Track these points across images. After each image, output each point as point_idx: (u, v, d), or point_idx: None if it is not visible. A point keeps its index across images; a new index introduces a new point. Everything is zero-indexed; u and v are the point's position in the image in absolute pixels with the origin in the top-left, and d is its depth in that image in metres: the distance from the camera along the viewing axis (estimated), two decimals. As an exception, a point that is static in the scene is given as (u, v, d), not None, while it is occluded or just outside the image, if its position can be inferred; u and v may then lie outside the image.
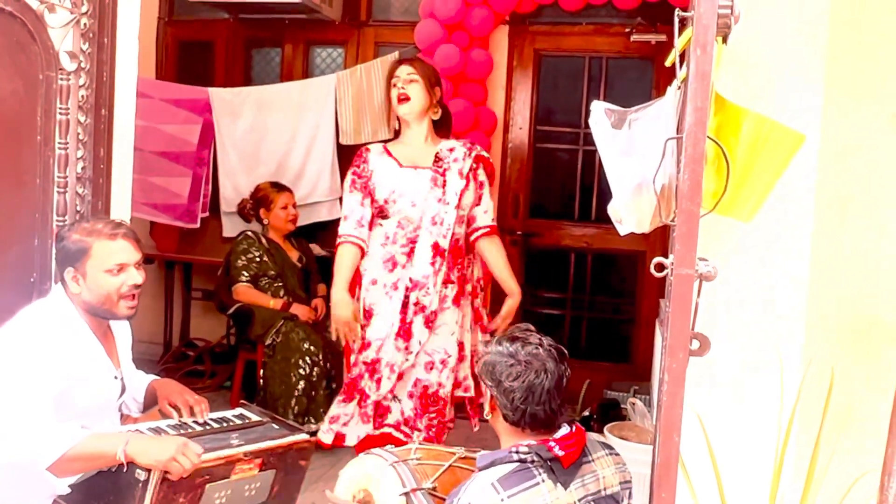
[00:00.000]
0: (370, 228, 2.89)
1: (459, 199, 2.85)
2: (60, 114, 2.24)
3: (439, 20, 4.26)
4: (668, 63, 1.48)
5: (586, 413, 3.75)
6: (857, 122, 2.07)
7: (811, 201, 2.08)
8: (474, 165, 2.92)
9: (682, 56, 1.43)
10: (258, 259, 4.04)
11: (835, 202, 2.08)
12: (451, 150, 2.93)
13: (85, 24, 2.27)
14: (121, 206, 2.49)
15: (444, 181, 2.85)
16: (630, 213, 1.68)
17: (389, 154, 2.92)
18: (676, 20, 1.37)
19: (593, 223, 4.57)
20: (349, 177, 2.93)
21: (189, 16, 5.04)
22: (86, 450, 1.78)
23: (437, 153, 2.90)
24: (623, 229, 1.71)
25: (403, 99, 2.86)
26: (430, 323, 2.82)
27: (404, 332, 2.82)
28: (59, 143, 2.25)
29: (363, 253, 2.88)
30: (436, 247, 2.83)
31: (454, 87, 4.33)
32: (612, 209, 1.70)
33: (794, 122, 1.63)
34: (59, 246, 2.02)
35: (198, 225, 4.78)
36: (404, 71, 2.90)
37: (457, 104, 4.29)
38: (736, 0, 1.32)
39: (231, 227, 4.71)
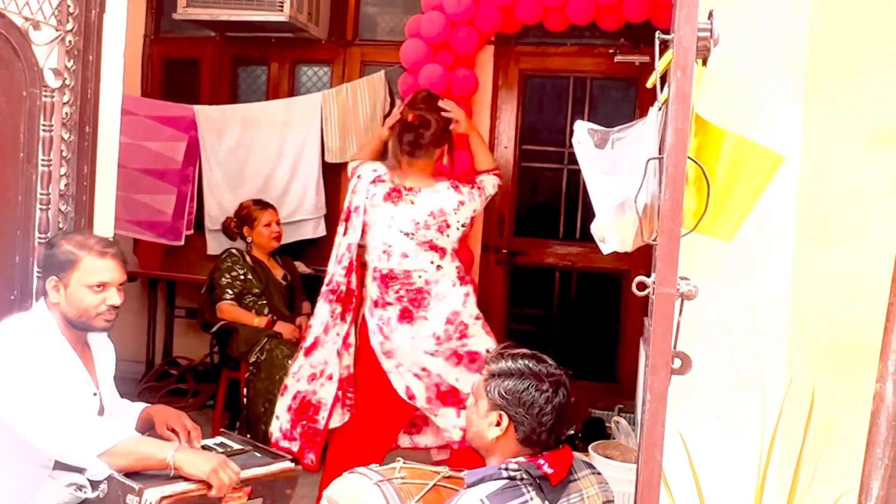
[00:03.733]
0: None
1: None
2: (44, 131, 2.23)
3: (425, 40, 4.28)
4: (649, 84, 1.50)
5: (571, 431, 3.74)
6: (837, 142, 2.10)
7: (792, 220, 2.11)
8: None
9: (664, 78, 1.45)
10: (242, 277, 4.02)
11: (815, 221, 2.11)
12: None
13: (70, 42, 2.27)
14: (104, 224, 2.48)
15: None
16: (613, 232, 1.69)
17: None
18: (657, 42, 1.39)
19: (578, 242, 4.59)
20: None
21: (175, 33, 5.05)
22: (136, 448, 1.87)
23: None
24: (606, 248, 1.72)
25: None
26: None
27: None
28: (42, 160, 2.24)
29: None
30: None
31: (439, 107, 4.35)
32: (595, 228, 1.71)
33: (774, 143, 1.65)
34: (48, 253, 2.04)
35: (182, 242, 4.76)
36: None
37: (442, 123, 4.31)
38: (715, 23, 1.34)
39: (215, 244, 4.69)
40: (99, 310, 2.01)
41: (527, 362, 1.76)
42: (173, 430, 2.12)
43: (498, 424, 1.76)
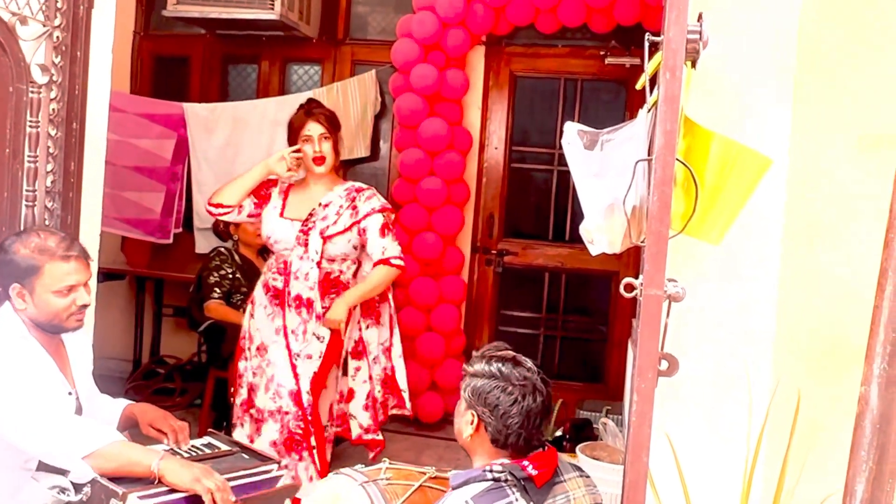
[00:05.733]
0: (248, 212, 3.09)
1: (321, 255, 2.99)
2: (30, 126, 2.22)
3: (416, 40, 4.28)
4: (638, 86, 1.50)
5: (559, 433, 3.74)
6: (825, 145, 2.11)
7: (780, 223, 2.11)
8: (351, 221, 3.02)
9: (653, 79, 1.45)
10: (230, 276, 4.00)
11: (803, 224, 2.12)
12: (328, 204, 3.04)
13: (57, 37, 2.26)
14: (91, 221, 2.46)
15: (306, 240, 3.00)
16: (601, 234, 1.69)
17: (285, 197, 3.09)
18: (647, 44, 1.39)
19: (567, 243, 4.59)
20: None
21: (165, 30, 5.02)
22: (122, 452, 1.83)
23: (313, 208, 3.03)
24: (594, 249, 1.73)
25: (320, 160, 3.02)
26: (295, 361, 2.98)
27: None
28: (29, 156, 2.22)
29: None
30: (298, 298, 2.98)
31: (430, 107, 4.35)
32: (584, 229, 1.71)
33: (762, 146, 1.65)
34: (4, 259, 1.94)
35: (170, 240, 4.73)
36: (316, 131, 3.01)
37: (432, 123, 4.31)
38: (704, 25, 1.34)
39: (204, 243, 4.67)
40: (70, 311, 1.96)
41: (500, 365, 1.76)
42: (160, 431, 2.10)
43: (471, 423, 1.77)
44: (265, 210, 3.07)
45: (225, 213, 3.03)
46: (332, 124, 3.08)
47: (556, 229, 4.67)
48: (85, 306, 1.99)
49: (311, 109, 3.08)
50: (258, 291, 3.09)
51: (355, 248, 3.07)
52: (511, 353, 1.81)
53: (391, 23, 4.65)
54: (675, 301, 1.34)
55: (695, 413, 2.13)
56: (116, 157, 4.40)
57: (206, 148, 4.73)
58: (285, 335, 2.97)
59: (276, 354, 2.99)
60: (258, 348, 3.05)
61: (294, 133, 3.07)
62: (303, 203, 3.07)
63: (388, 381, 3.18)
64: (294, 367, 2.96)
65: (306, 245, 2.99)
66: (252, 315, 3.09)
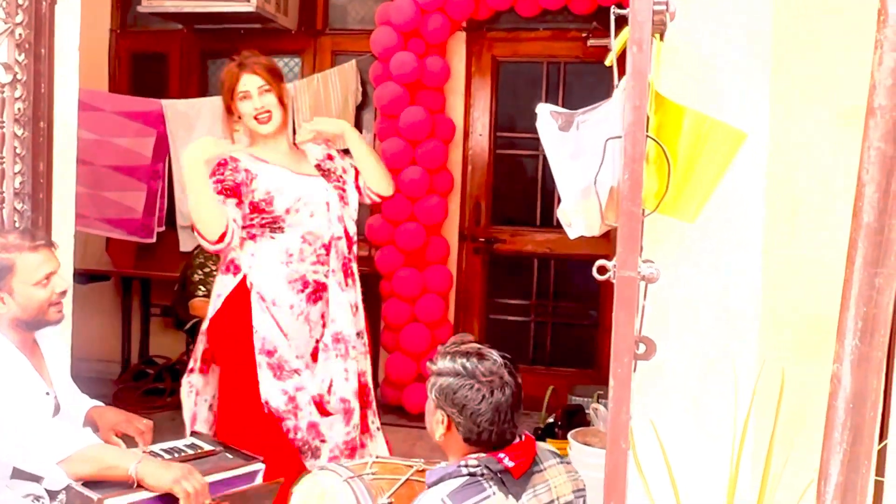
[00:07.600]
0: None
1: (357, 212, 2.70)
2: (-5, 127, 2.17)
3: (395, 27, 4.23)
4: (607, 63, 1.46)
5: (551, 419, 3.72)
6: (805, 122, 2.07)
7: (761, 202, 2.08)
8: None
9: (623, 57, 1.41)
10: (215, 273, 3.96)
11: (785, 202, 2.08)
12: (331, 157, 2.72)
13: (20, 35, 2.21)
14: (63, 222, 2.42)
15: (346, 197, 2.65)
16: (578, 217, 1.66)
17: (266, 161, 2.56)
18: (612, 19, 1.35)
19: (555, 228, 4.55)
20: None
21: (142, 27, 4.96)
22: (99, 455, 1.83)
23: (318, 163, 2.66)
24: (572, 233, 1.69)
25: (265, 118, 2.54)
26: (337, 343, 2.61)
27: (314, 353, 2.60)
28: (-5, 157, 2.17)
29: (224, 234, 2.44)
30: (345, 266, 2.62)
31: (411, 95, 4.30)
32: (562, 212, 1.68)
33: (742, 123, 1.61)
34: None
35: (153, 240, 4.68)
36: (254, 83, 2.54)
37: (413, 112, 4.26)
38: (672, -3, 1.30)
39: (188, 240, 4.62)
40: (51, 300, 1.99)
41: (464, 361, 1.68)
42: (126, 435, 2.07)
43: (442, 423, 1.72)
44: (259, 177, 2.50)
45: (229, 237, 2.45)
46: (273, 74, 2.59)
47: (544, 215, 4.63)
48: (63, 293, 2.01)
49: (243, 61, 2.58)
50: (282, 290, 2.52)
51: None
52: (475, 345, 1.74)
53: (370, 12, 4.60)
54: (649, 282, 1.31)
55: (680, 398, 2.10)
56: (95, 156, 4.34)
57: (186, 144, 4.65)
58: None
59: (331, 357, 2.57)
60: (293, 366, 2.53)
61: (228, 92, 2.57)
62: (292, 163, 2.61)
63: None
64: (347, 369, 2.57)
65: (347, 203, 2.64)
66: (275, 321, 2.52)
